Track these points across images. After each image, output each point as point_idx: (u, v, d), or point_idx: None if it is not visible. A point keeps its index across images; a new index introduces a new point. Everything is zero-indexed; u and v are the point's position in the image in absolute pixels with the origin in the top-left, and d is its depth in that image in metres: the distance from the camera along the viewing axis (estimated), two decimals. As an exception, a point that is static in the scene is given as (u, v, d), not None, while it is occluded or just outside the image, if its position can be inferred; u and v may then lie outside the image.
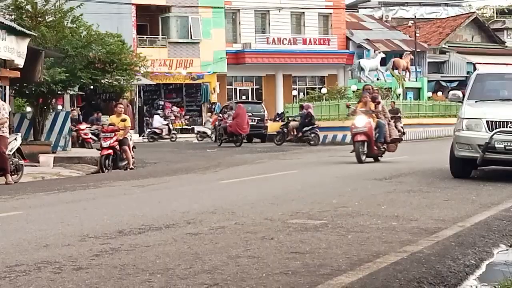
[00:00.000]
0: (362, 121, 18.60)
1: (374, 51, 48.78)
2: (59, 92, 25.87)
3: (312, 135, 32.42)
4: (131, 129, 21.85)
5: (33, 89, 23.57)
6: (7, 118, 15.85)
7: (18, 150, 16.45)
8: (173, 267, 5.93)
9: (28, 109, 27.02)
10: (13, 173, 15.95)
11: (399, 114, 33.46)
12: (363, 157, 18.41)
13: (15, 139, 16.43)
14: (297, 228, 7.83)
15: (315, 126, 32.76)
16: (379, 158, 19.26)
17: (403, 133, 33.38)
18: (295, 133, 32.69)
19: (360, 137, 18.42)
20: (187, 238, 7.29)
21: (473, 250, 6.69)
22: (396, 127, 34.60)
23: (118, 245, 6.92)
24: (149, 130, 41.33)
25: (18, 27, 18.81)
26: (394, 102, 35.98)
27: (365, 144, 18.49)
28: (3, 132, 15.55)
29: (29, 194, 12.72)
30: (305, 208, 9.52)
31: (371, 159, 18.90)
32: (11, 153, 15.94)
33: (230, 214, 9.05)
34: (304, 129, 32.42)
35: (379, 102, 19.61)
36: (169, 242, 7.07)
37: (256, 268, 5.86)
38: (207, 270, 5.81)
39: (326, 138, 33.99)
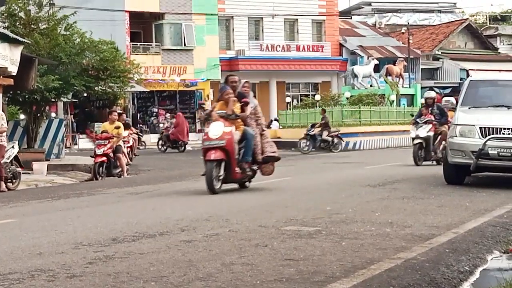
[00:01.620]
0: (218, 130, 12.57)
1: (368, 58, 48.93)
2: (52, 100, 25.85)
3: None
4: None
5: (26, 96, 23.55)
6: (6, 127, 15.95)
7: (15, 158, 16.53)
8: (167, 274, 5.92)
9: (22, 116, 27.01)
10: (10, 180, 16.05)
11: (328, 125, 32.85)
12: (218, 184, 12.52)
13: (13, 147, 16.50)
14: (291, 235, 7.83)
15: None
16: (247, 184, 13.60)
17: (333, 144, 32.16)
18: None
19: (215, 154, 12.41)
20: (181, 246, 7.28)
21: (467, 257, 6.70)
22: (320, 135, 32.29)
23: (112, 253, 6.91)
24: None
25: (11, 35, 18.81)
26: (324, 110, 34.96)
27: (222, 164, 12.53)
28: (1, 141, 15.61)
29: (23, 201, 12.70)
30: (299, 215, 9.52)
31: (238, 186, 13.61)
32: (8, 160, 16.00)
33: (224, 221, 9.04)
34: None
35: (247, 103, 13.21)
36: (163, 250, 7.06)
37: (251, 275, 5.86)
38: (201, 277, 5.81)
39: (319, 144, 33.97)
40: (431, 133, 20.18)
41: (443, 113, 20.35)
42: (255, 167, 13.44)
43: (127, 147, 22.36)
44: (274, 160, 13.59)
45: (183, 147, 34.76)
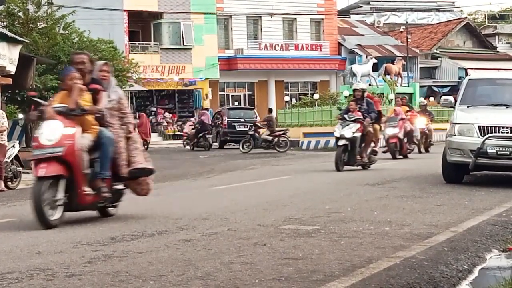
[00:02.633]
0: (53, 133, 8.83)
1: (366, 57, 48.87)
2: (51, 99, 25.85)
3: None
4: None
5: (25, 95, 23.55)
6: (6, 126, 15.96)
7: (16, 157, 16.55)
8: (166, 273, 5.92)
9: (20, 115, 26.99)
10: (10, 180, 16.08)
11: (271, 125, 31.02)
12: (55, 214, 8.71)
13: (13, 146, 16.52)
14: (290, 234, 7.83)
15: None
16: (111, 210, 9.77)
17: (277, 143, 30.45)
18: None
19: (48, 169, 8.64)
20: (179, 245, 7.27)
21: (465, 255, 6.70)
22: (267, 137, 30.40)
23: (110, 252, 6.90)
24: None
25: (10, 34, 18.80)
26: (270, 109, 34.21)
27: (60, 183, 8.72)
28: (2, 140, 15.63)
29: (21, 201, 12.68)
30: (298, 214, 9.52)
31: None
32: (9, 160, 16.04)
33: (223, 220, 9.04)
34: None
35: (98, 90, 9.28)
36: (161, 249, 7.06)
37: (249, 274, 5.86)
38: (200, 276, 5.81)
39: (318, 143, 33.99)
40: (358, 134, 17.42)
41: (373, 109, 17.93)
42: (119, 186, 9.52)
43: None
44: (145, 174, 9.61)
45: (146, 146, 34.56)
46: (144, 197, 10.03)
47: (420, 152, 26.46)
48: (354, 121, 17.46)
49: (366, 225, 8.44)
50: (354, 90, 18.68)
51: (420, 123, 26.55)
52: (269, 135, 31.22)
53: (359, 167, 17.72)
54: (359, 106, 18.00)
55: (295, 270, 6.01)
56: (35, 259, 6.65)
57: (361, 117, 17.61)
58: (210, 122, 35.77)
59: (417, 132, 26.05)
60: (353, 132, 17.32)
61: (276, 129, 32.31)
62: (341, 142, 17.32)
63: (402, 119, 24.24)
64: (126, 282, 5.66)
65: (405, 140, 24.23)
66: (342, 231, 7.98)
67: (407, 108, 26.49)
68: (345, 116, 17.66)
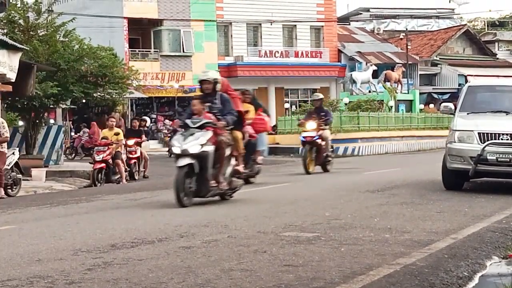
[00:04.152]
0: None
1: (366, 64, 48.97)
2: (51, 106, 25.89)
3: None
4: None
5: (25, 103, 23.57)
6: (8, 136, 15.99)
7: (16, 164, 16.58)
8: (166, 281, 5.92)
9: (20, 123, 27.00)
10: (10, 187, 16.11)
11: (142, 138, 23.27)
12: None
13: (13, 153, 16.56)
14: (290, 241, 7.83)
15: None
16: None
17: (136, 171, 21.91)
18: None
19: None
20: (180, 252, 7.27)
21: (466, 262, 6.70)
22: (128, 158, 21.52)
23: (110, 259, 6.90)
24: None
25: (10, 41, 18.81)
26: (137, 119, 27.38)
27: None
28: (2, 147, 15.68)
29: (22, 208, 12.68)
30: (298, 220, 9.51)
31: None
32: (9, 167, 16.07)
33: (223, 227, 9.03)
34: None
35: None
36: (161, 256, 7.06)
37: (249, 281, 5.85)
38: (200, 283, 5.80)
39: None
40: (210, 148, 11.68)
41: (230, 108, 12.26)
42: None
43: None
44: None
45: None
46: (144, 204, 10.05)
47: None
48: (201, 127, 11.75)
49: (366, 232, 8.43)
50: (202, 82, 12.43)
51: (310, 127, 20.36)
52: None
53: (216, 197, 12.30)
54: (208, 105, 12.17)
55: (295, 277, 6.01)
56: (35, 267, 6.64)
57: (213, 120, 11.92)
58: None
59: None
60: (202, 145, 11.54)
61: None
62: (183, 162, 11.38)
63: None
64: (126, 289, 5.65)
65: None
66: (342, 238, 7.98)
67: (252, 107, 17.05)
68: (188, 121, 11.90)
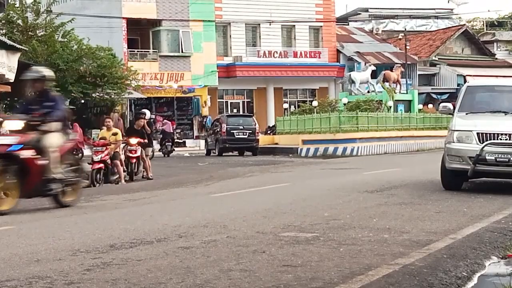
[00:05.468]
0: None
1: (365, 64, 48.98)
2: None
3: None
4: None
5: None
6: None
7: None
8: (165, 281, 5.92)
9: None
10: None
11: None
12: None
13: None
14: (289, 241, 7.83)
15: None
16: None
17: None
18: None
19: None
20: (178, 252, 7.27)
21: (464, 262, 6.70)
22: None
23: (109, 260, 6.90)
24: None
25: (9, 42, 18.82)
26: (142, 118, 23.29)
27: None
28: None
29: (20, 208, 12.66)
30: (297, 221, 9.51)
31: None
32: None
33: (222, 227, 9.03)
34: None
35: None
36: (160, 256, 7.05)
37: (248, 282, 5.85)
38: (199, 284, 5.80)
39: (317, 151, 34.03)
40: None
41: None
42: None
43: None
44: None
45: (81, 155, 33.92)
46: (143, 204, 10.06)
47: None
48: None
49: (365, 232, 8.43)
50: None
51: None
52: None
53: None
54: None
55: (294, 277, 6.01)
56: (34, 267, 6.64)
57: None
58: (171, 131, 39.51)
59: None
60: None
61: None
62: None
63: None
64: (125, 289, 5.65)
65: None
66: (341, 238, 7.98)
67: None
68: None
